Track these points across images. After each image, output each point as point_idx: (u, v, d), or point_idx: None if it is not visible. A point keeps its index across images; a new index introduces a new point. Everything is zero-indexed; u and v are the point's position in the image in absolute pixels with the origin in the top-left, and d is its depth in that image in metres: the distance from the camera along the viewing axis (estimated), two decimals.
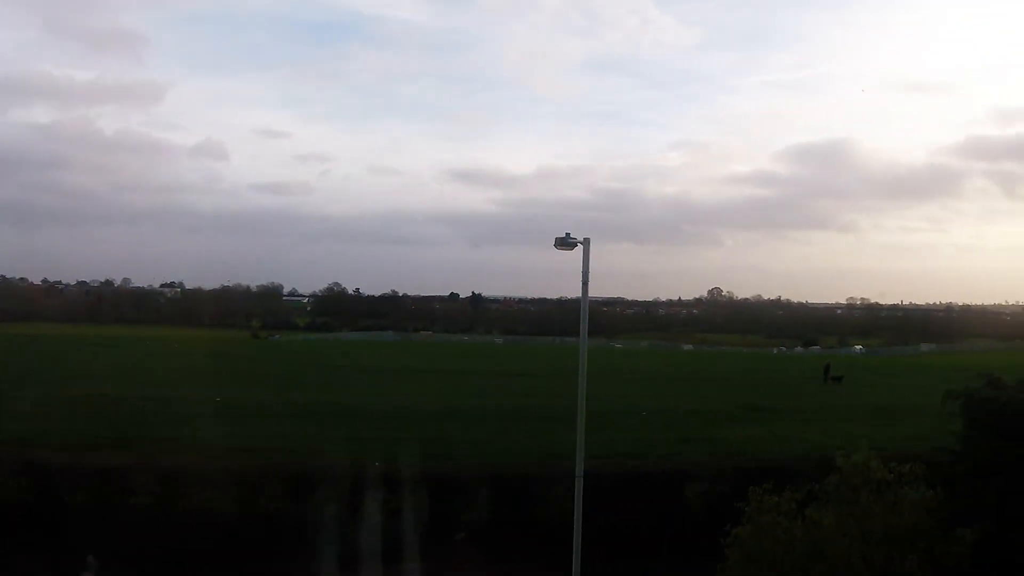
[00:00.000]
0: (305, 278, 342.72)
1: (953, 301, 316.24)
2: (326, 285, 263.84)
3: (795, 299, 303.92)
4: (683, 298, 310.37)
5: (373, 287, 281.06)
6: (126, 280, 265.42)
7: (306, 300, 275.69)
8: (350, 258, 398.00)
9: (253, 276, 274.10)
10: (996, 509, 24.24)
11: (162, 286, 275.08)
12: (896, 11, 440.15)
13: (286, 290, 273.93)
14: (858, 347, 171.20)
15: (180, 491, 31.40)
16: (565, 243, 23.73)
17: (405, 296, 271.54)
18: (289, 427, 43.79)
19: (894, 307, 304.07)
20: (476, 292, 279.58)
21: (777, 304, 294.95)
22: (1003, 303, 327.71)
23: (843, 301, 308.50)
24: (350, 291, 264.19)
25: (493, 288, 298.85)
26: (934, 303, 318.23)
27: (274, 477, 32.63)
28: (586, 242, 23.92)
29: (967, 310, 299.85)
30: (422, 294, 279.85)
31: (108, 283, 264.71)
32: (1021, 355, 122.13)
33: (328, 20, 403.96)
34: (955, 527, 22.96)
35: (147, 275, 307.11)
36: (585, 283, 24.01)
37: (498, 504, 32.65)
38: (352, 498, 31.32)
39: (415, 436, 40.02)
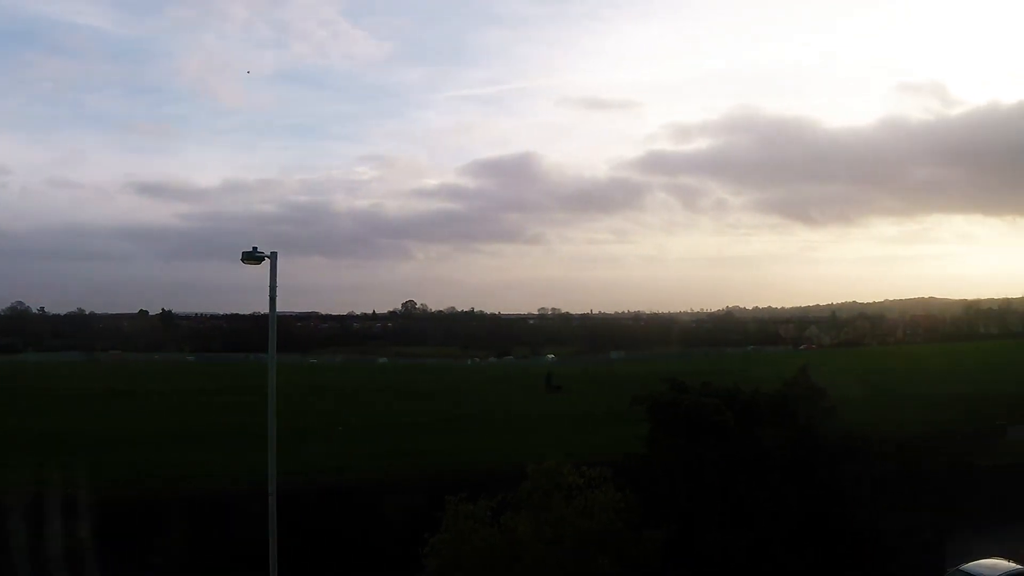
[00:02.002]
0: None
1: (641, 310, 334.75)
2: (8, 304, 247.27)
3: (488, 310, 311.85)
4: (378, 311, 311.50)
5: (59, 305, 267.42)
6: None
7: None
8: (33, 275, 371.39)
9: None
10: (684, 509, 25.46)
11: None
12: (580, 31, 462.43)
13: None
14: (550, 356, 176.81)
15: None
16: (252, 257, 23.26)
17: (93, 314, 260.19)
18: None
19: (585, 316, 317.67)
20: (167, 309, 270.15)
21: (471, 316, 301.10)
22: (688, 311, 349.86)
23: (535, 311, 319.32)
24: (35, 310, 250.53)
25: (184, 305, 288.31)
26: (623, 312, 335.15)
27: None
28: (273, 256, 23.55)
29: (654, 318, 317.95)
30: (111, 312, 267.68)
31: None
32: (704, 360, 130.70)
33: (10, 28, 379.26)
34: (645, 528, 23.84)
35: None
36: (273, 298, 23.62)
37: (194, 526, 31.63)
38: (33, 527, 29.43)
39: (103, 461, 37.96)
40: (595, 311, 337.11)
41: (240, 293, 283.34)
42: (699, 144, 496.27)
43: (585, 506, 23.85)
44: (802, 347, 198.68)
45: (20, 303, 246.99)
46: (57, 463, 34.56)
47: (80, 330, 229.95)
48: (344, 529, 32.50)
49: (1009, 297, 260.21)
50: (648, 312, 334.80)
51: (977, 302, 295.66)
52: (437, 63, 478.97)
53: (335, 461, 40.12)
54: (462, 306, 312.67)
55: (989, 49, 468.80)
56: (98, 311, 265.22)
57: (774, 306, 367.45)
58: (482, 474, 32.40)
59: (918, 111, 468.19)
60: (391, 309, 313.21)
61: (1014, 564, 31.68)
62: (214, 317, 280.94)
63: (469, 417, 58.93)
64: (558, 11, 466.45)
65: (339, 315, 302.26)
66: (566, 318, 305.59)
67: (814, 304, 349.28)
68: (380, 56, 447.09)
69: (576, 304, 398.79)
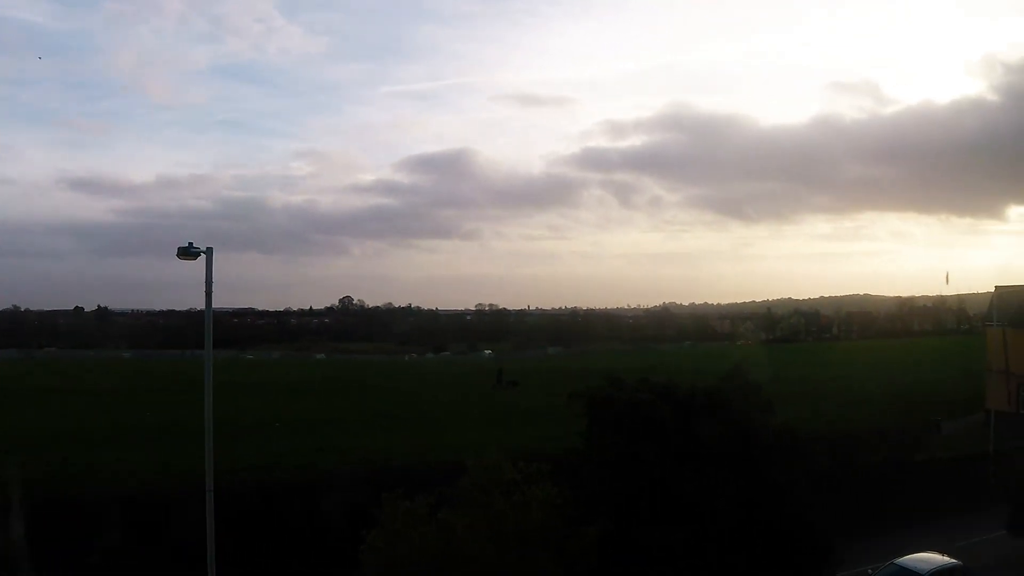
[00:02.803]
0: None
1: (578, 306, 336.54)
2: None
3: (425, 306, 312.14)
4: (315, 307, 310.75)
5: None
6: None
7: None
8: None
9: None
10: (620, 504, 25.54)
11: None
12: (515, 28, 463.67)
13: None
14: (487, 351, 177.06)
15: None
16: (188, 253, 23.13)
17: (28, 311, 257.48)
18: None
19: (521, 312, 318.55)
20: (102, 306, 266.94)
21: (408, 311, 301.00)
22: (625, 307, 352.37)
23: (472, 307, 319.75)
24: None
25: (120, 301, 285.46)
26: (560, 308, 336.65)
27: None
28: (209, 252, 23.39)
29: (591, 314, 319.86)
30: (45, 309, 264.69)
31: None
32: (641, 356, 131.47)
33: None
34: (584, 523, 23.91)
35: None
36: (209, 293, 23.46)
37: (131, 525, 31.26)
38: None
39: (38, 459, 37.47)
40: (532, 307, 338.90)
41: (176, 290, 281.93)
42: (634, 141, 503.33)
43: (523, 502, 23.88)
44: (739, 343, 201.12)
45: None
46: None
47: (15, 327, 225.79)
48: (282, 526, 32.34)
49: (943, 294, 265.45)
50: (585, 308, 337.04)
51: (911, 299, 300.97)
52: (373, 59, 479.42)
53: (273, 458, 39.82)
54: (399, 302, 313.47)
55: (922, 49, 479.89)
56: (33, 308, 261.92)
57: (710, 302, 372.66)
58: (421, 470, 32.46)
59: (851, 110, 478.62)
60: (328, 305, 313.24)
61: (948, 558, 32.37)
62: (150, 313, 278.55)
63: (408, 413, 58.86)
64: (493, 8, 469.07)
65: (276, 311, 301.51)
66: (503, 314, 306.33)
67: (750, 300, 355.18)
68: (316, 52, 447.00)
69: (513, 300, 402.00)
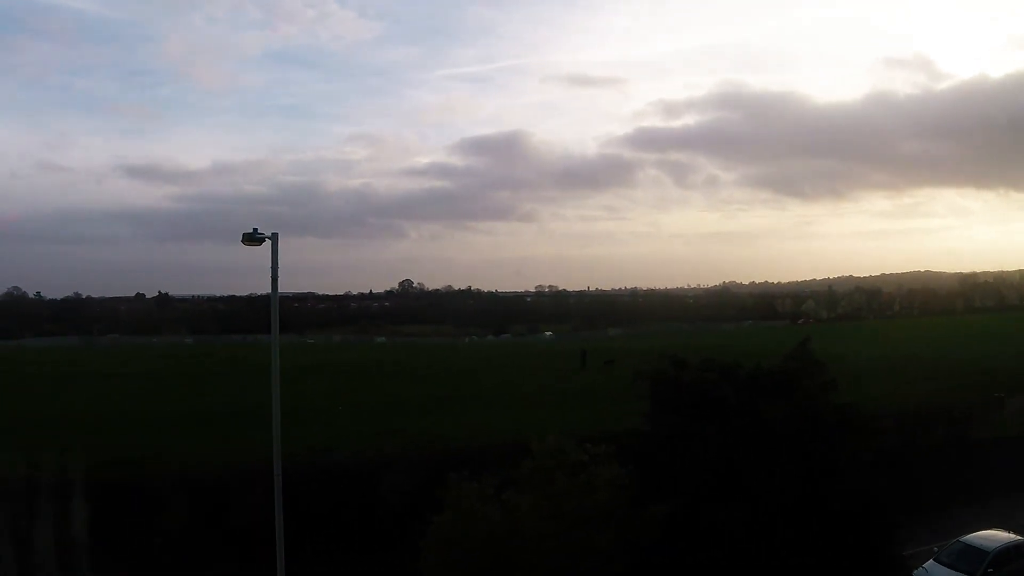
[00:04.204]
0: None
1: (637, 286, 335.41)
2: (5, 290, 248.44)
3: (485, 288, 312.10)
4: (374, 291, 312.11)
5: (55, 290, 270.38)
6: None
7: None
8: (28, 260, 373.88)
9: None
10: (684, 484, 25.42)
11: None
12: (566, 9, 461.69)
13: None
14: (548, 333, 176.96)
15: None
16: (253, 239, 23.20)
17: (89, 298, 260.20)
18: None
19: (581, 293, 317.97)
20: (163, 292, 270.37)
21: (467, 294, 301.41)
22: (685, 287, 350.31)
23: (532, 289, 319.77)
24: (31, 295, 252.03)
25: (180, 287, 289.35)
26: (619, 288, 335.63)
27: None
28: (274, 237, 23.46)
29: (651, 294, 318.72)
30: (107, 296, 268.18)
31: None
32: (702, 336, 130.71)
33: None
34: (647, 503, 23.89)
35: None
36: (275, 278, 23.57)
37: (194, 509, 31.62)
38: (30, 510, 29.29)
39: (103, 443, 37.95)
40: (591, 288, 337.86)
41: (234, 275, 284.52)
42: (687, 120, 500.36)
43: (587, 482, 23.90)
44: (800, 321, 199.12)
45: (16, 288, 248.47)
46: (55, 446, 34.47)
47: (77, 314, 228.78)
48: (344, 509, 32.53)
49: (1004, 270, 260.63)
50: (644, 288, 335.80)
51: (973, 275, 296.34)
52: (425, 42, 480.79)
53: (335, 441, 40.10)
54: (458, 284, 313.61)
55: (975, 22, 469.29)
56: (95, 295, 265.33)
57: (770, 281, 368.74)
58: (484, 453, 32.40)
59: (905, 85, 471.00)
60: (388, 288, 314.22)
61: (1013, 535, 31.87)
62: (211, 299, 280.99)
63: (469, 395, 58.87)
64: None
65: (336, 295, 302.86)
66: (562, 295, 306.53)
67: (810, 279, 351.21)
68: (369, 36, 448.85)
69: (572, 281, 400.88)
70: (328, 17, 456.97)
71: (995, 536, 32.02)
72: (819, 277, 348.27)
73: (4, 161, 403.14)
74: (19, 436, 39.48)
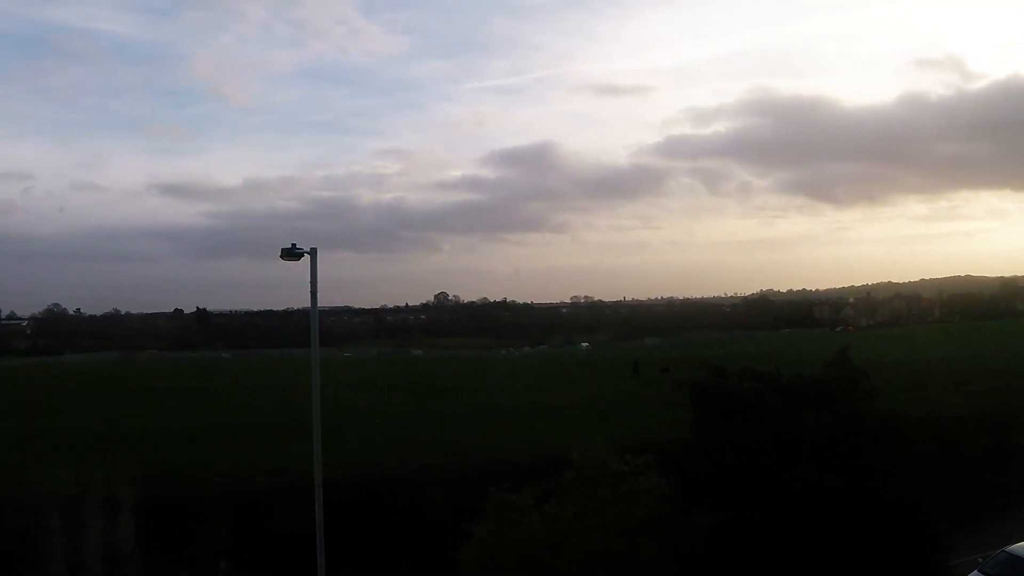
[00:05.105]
0: (22, 300, 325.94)
1: (673, 295, 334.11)
2: (45, 307, 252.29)
3: (520, 300, 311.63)
4: (410, 304, 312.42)
5: (94, 306, 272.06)
6: None
7: (25, 323, 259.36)
8: (67, 278, 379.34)
9: None
10: (726, 493, 25.34)
11: None
12: (590, 18, 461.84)
13: (3, 314, 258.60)
14: (584, 344, 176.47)
15: None
16: (292, 254, 23.42)
17: (128, 314, 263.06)
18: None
19: (617, 303, 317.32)
20: (201, 307, 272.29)
21: (503, 306, 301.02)
22: (721, 295, 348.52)
23: (567, 300, 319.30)
24: (71, 312, 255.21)
25: (217, 303, 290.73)
26: (655, 298, 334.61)
27: None
28: (313, 252, 23.66)
29: (688, 303, 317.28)
30: (145, 312, 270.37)
31: None
32: (741, 344, 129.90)
33: (30, 34, 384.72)
34: (691, 513, 23.80)
35: None
36: (314, 292, 23.73)
37: (236, 521, 31.77)
38: (75, 525, 29.53)
39: (145, 458, 38.09)
40: (627, 298, 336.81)
41: (270, 290, 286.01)
42: (717, 127, 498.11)
43: (630, 492, 23.78)
44: (839, 329, 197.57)
45: (57, 305, 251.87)
46: (98, 462, 34.82)
47: (116, 330, 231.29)
48: (384, 520, 32.59)
49: None
50: (680, 298, 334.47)
51: (1014, 279, 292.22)
52: (454, 56, 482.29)
53: (373, 453, 40.19)
54: (494, 296, 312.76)
55: (1006, 21, 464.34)
56: (133, 311, 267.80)
57: (808, 288, 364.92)
58: (524, 464, 32.33)
59: (937, 86, 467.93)
60: (423, 301, 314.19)
61: None
62: (248, 314, 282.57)
63: (508, 406, 58.80)
64: None
65: (372, 309, 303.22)
66: (598, 306, 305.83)
67: (849, 285, 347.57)
68: (398, 51, 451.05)
69: (607, 291, 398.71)
70: (358, 33, 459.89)
71: None
72: (857, 284, 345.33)
73: (40, 181, 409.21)
74: (66, 452, 39.81)
